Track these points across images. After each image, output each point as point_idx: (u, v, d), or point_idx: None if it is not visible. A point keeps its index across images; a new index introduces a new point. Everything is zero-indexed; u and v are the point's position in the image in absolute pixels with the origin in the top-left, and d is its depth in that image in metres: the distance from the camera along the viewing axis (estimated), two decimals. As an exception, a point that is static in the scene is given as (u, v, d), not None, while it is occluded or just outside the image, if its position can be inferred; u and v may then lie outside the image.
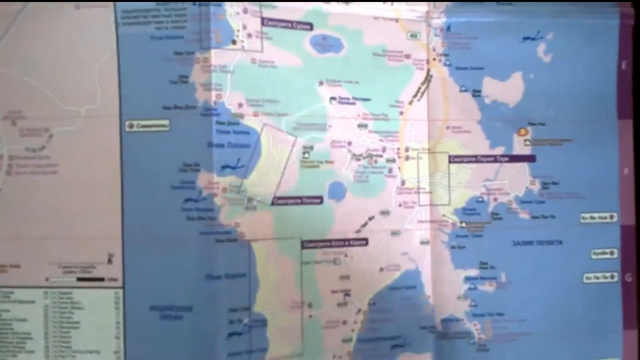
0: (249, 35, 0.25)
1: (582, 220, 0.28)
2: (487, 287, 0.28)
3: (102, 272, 0.25)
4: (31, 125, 0.26)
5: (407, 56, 0.28)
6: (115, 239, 0.25)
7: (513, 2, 0.28)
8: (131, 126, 0.25)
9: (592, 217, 0.28)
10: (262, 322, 0.25)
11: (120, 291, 0.25)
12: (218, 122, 0.25)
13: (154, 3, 0.25)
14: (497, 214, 0.28)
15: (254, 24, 0.25)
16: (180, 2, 0.25)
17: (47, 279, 0.26)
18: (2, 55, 0.25)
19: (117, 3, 0.25)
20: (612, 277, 0.28)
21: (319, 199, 0.26)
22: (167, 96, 0.25)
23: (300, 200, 0.26)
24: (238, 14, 0.25)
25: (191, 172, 0.25)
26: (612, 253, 0.28)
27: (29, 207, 0.25)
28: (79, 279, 0.25)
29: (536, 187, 0.28)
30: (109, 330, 0.25)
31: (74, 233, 0.25)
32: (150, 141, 0.25)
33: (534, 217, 0.28)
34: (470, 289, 0.28)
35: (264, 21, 0.26)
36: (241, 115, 0.25)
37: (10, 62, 0.25)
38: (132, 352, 0.25)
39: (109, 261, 0.25)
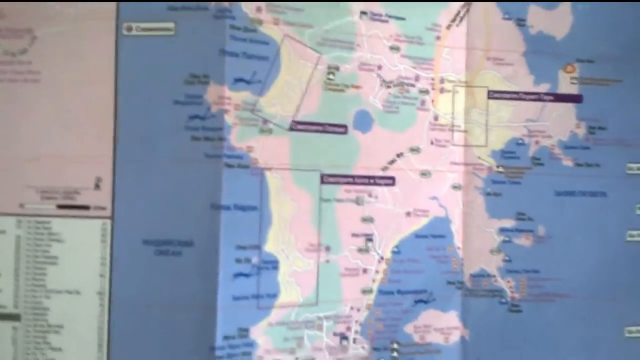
0: None
1: (628, 171, 0.26)
2: (523, 241, 0.25)
3: (87, 199, 0.22)
4: (11, 25, 0.22)
5: (447, -26, 0.25)
6: (105, 160, 0.22)
7: None
8: (129, 29, 0.22)
9: (639, 168, 0.26)
10: (273, 264, 0.22)
11: (109, 222, 0.22)
12: (232, 27, 0.21)
13: None
14: (538, 159, 0.25)
15: None
16: None
17: (21, 205, 0.22)
18: None
19: None
20: (657, 236, 0.26)
21: (342, 128, 0.23)
22: (174, -9, 0.21)
23: (321, 127, 0.23)
24: None
25: (199, 84, 0.21)
26: (659, 209, 0.26)
27: (4, 120, 0.22)
28: (60, 206, 0.22)
29: (581, 131, 0.26)
30: (92, 268, 0.22)
31: (56, 152, 0.22)
32: (151, 47, 0.22)
33: (577, 165, 0.26)
34: (504, 241, 0.25)
35: None
36: (259, 22, 0.22)
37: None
38: (119, 293, 0.22)
39: (97, 186, 0.22)
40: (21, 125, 0.22)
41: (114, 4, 0.22)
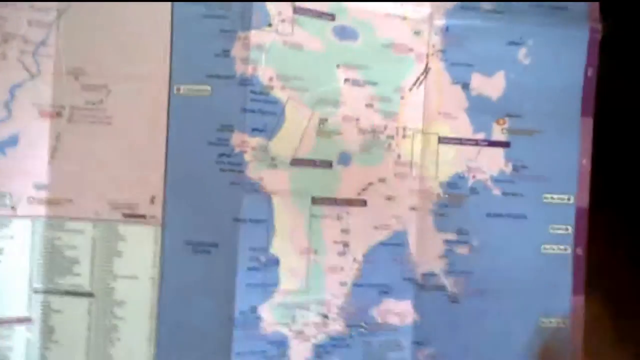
0: (283, 21, 0.31)
1: (544, 200, 0.35)
2: (461, 250, 0.34)
3: (144, 210, 0.31)
4: (92, 82, 0.31)
5: (410, 50, 0.34)
6: (158, 183, 0.31)
7: (503, 12, 0.34)
8: (179, 90, 0.31)
9: (552, 198, 0.35)
10: (276, 262, 0.31)
11: (159, 228, 0.31)
12: (252, 92, 0.30)
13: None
14: (475, 189, 0.34)
15: (287, 11, 0.31)
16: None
17: (96, 213, 0.31)
18: (71, 19, 0.31)
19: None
20: (565, 249, 0.35)
21: (329, 164, 0.32)
22: (211, 66, 0.30)
23: (313, 163, 0.32)
24: (275, 2, 0.31)
25: (226, 132, 0.30)
26: (567, 229, 0.35)
27: (85, 151, 0.31)
28: (124, 215, 0.31)
29: (508, 169, 0.35)
30: (147, 260, 0.31)
31: (123, 175, 0.31)
32: (194, 103, 0.31)
33: (504, 194, 0.34)
34: (447, 250, 0.34)
35: (296, 9, 0.31)
36: (271, 88, 0.31)
37: (79, 26, 0.31)
38: (167, 278, 0.31)
39: (152, 201, 0.31)
40: (99, 154, 0.31)
41: (167, 69, 0.31)
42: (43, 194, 0.31)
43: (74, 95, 0.31)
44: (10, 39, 0.30)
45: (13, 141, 0.31)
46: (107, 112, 0.31)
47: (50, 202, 0.31)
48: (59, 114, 0.31)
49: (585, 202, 0.35)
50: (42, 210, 0.31)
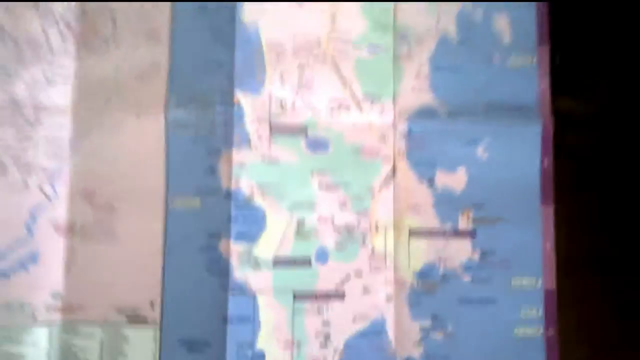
0: (261, 138, 0.36)
1: (513, 284, 0.38)
2: (437, 336, 0.37)
3: (145, 314, 0.35)
4: (100, 202, 0.36)
5: (378, 153, 0.38)
6: (157, 288, 0.35)
7: (459, 115, 0.39)
8: (173, 204, 0.36)
9: (520, 282, 0.38)
10: (262, 356, 0.35)
11: (158, 329, 0.35)
12: (236, 203, 0.35)
13: (194, 116, 0.35)
14: (445, 277, 0.37)
15: (265, 130, 0.36)
16: (209, 111, 0.35)
17: (104, 317, 0.35)
18: (85, 151, 0.36)
19: (168, 115, 0.36)
20: (537, 331, 0.37)
21: (308, 262, 0.36)
22: (200, 182, 0.35)
23: (294, 262, 0.36)
24: (253, 122, 0.36)
25: (215, 239, 0.35)
26: (537, 311, 0.37)
27: (94, 262, 0.36)
28: (128, 318, 0.35)
29: (476, 256, 0.38)
30: (149, 358, 0.35)
31: (126, 283, 0.35)
32: (186, 215, 0.35)
33: (474, 280, 0.37)
34: (424, 336, 0.37)
35: (272, 128, 0.36)
36: (253, 197, 0.35)
37: (88, 156, 0.36)
38: (164, 374, 0.34)
39: (151, 305, 0.35)
40: (105, 265, 0.36)
41: (163, 186, 0.36)
42: (59, 302, 0.36)
43: (85, 215, 0.36)
44: (31, 170, 0.36)
45: (34, 258, 0.36)
46: (113, 228, 0.36)
47: (64, 309, 0.36)
48: (72, 232, 0.36)
49: (552, 284, 0.38)
50: (57, 316, 0.36)
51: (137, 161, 0.36)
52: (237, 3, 0.36)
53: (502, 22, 0.39)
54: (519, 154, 0.39)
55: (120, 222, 0.36)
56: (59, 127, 0.37)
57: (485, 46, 0.39)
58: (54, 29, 0.37)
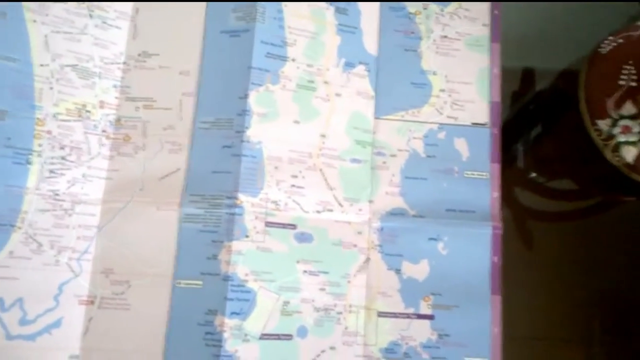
0: (257, 232, 0.44)
1: (465, 363, 0.44)
2: (399, 405, 0.43)
3: (148, 374, 0.42)
4: (117, 279, 0.44)
5: (355, 245, 0.46)
6: (159, 355, 0.42)
7: (424, 216, 0.47)
8: (179, 283, 0.43)
9: (472, 361, 0.44)
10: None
11: (159, 389, 0.41)
12: (232, 285, 0.42)
13: (203, 212, 0.44)
14: (407, 353, 0.44)
15: (261, 225, 0.44)
16: (216, 209, 0.44)
17: (111, 379, 0.42)
18: (109, 235, 0.44)
19: (182, 210, 0.44)
20: (486, 405, 0.43)
21: (290, 337, 0.43)
22: (203, 266, 0.43)
23: (277, 336, 0.43)
24: (252, 219, 0.44)
25: (212, 315, 0.42)
26: (486, 388, 0.44)
27: (108, 329, 0.43)
28: (133, 380, 0.42)
29: (434, 337, 0.45)
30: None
31: (136, 349, 0.42)
32: (189, 293, 0.43)
33: (432, 358, 0.44)
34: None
35: (267, 224, 0.44)
36: (246, 281, 0.43)
37: (110, 238, 0.44)
38: None
39: None
40: (119, 332, 0.43)
41: (172, 269, 0.43)
42: (75, 363, 0.42)
43: (104, 289, 0.44)
44: (63, 251, 0.44)
45: (57, 324, 0.43)
46: (127, 300, 0.43)
47: (80, 370, 0.42)
48: (92, 302, 0.43)
49: (499, 364, 0.44)
50: (73, 376, 0.42)
51: (152, 245, 0.44)
52: (245, 123, 0.45)
53: (461, 143, 0.49)
54: (473, 251, 0.46)
55: (133, 296, 0.43)
56: (89, 216, 0.45)
57: (446, 162, 0.48)
58: (94, 136, 0.46)
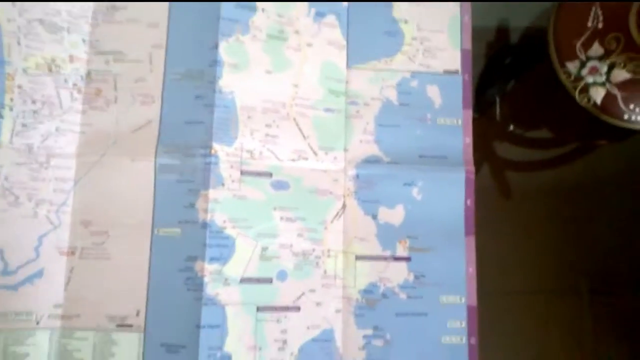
0: (233, 180, 0.45)
1: (441, 301, 0.46)
2: (377, 342, 0.45)
3: (132, 321, 0.43)
4: (97, 229, 0.44)
5: (331, 192, 0.47)
6: (142, 300, 0.43)
7: (398, 163, 0.48)
8: (158, 232, 0.44)
9: (447, 299, 0.46)
10: (228, 357, 0.42)
11: (142, 333, 0.42)
12: (210, 232, 0.43)
13: (178, 162, 0.44)
14: (385, 294, 0.46)
15: (236, 174, 0.45)
16: (191, 159, 0.44)
17: (97, 324, 0.43)
18: (82, 188, 0.45)
19: (157, 161, 0.44)
20: (461, 339, 0.45)
21: (270, 280, 0.44)
22: (181, 215, 0.44)
23: (257, 280, 0.44)
24: (227, 168, 0.45)
25: (192, 261, 0.43)
26: (461, 323, 0.45)
27: (90, 279, 0.43)
28: (117, 325, 0.43)
29: (411, 277, 0.46)
30: (134, 359, 0.42)
31: (117, 296, 0.43)
32: (169, 241, 0.43)
33: (409, 297, 0.46)
34: (366, 343, 0.45)
35: (242, 172, 0.45)
36: (225, 228, 0.44)
37: (88, 192, 0.45)
38: (146, 374, 0.41)
39: (137, 314, 0.43)
40: (100, 281, 0.43)
41: (150, 218, 0.44)
42: (59, 311, 0.43)
43: (84, 239, 0.44)
44: (40, 203, 0.44)
45: (39, 274, 0.43)
46: (107, 250, 0.44)
47: (64, 317, 0.43)
48: (72, 253, 0.44)
49: (473, 301, 0.46)
50: (57, 323, 0.43)
51: (129, 196, 0.45)
52: (217, 74, 0.45)
53: (434, 91, 0.50)
54: (447, 195, 0.48)
55: (113, 246, 0.44)
56: (65, 169, 0.45)
57: (419, 109, 0.49)
58: (65, 90, 0.46)
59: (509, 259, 0.51)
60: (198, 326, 0.41)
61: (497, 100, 0.56)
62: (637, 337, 0.50)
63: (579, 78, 0.48)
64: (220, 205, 0.44)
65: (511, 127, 0.54)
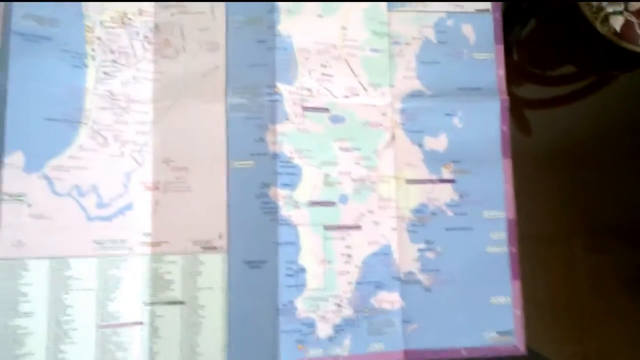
0: (296, 115, 0.49)
1: (484, 216, 0.51)
2: (429, 255, 0.50)
3: (215, 244, 0.48)
4: (177, 166, 0.49)
5: (380, 125, 0.51)
6: (224, 224, 0.48)
7: (439, 95, 0.52)
8: (233, 165, 0.48)
9: (490, 214, 0.51)
10: (303, 270, 0.47)
11: (226, 254, 0.48)
12: (280, 162, 0.48)
13: (247, 101, 0.49)
14: (434, 212, 0.51)
15: (299, 110, 0.49)
16: (258, 98, 0.49)
17: (184, 248, 0.48)
18: (161, 129, 0.49)
19: (227, 101, 0.49)
20: (503, 249, 0.51)
21: (333, 203, 0.49)
22: (253, 148, 0.48)
23: (323, 203, 0.49)
24: (290, 104, 0.49)
25: (266, 188, 0.48)
26: (502, 235, 0.51)
27: (175, 210, 0.48)
28: (202, 248, 0.48)
29: (456, 197, 0.51)
30: (218, 276, 0.47)
31: (200, 223, 0.48)
32: (244, 172, 0.48)
33: (455, 214, 0.51)
34: (420, 255, 0.50)
35: (304, 108, 0.50)
36: (292, 158, 0.48)
37: (166, 133, 0.49)
38: (232, 287, 0.47)
39: (220, 237, 0.48)
40: (184, 211, 0.48)
41: (225, 153, 0.49)
42: (149, 239, 0.48)
43: (166, 175, 0.49)
44: (125, 144, 0.49)
45: (129, 207, 0.48)
46: (187, 184, 0.49)
47: (153, 244, 0.48)
48: (157, 188, 0.49)
49: (512, 214, 0.51)
50: (148, 249, 0.48)
51: (204, 135, 0.49)
52: (275, 19, 0.49)
53: (468, 28, 0.54)
54: (484, 123, 0.52)
55: (194, 179, 0.49)
56: (143, 113, 0.49)
57: (456, 46, 0.53)
58: (137, 42, 0.50)
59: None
60: (276, 243, 0.47)
61: (515, 41, 0.59)
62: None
63: (599, 9, 0.52)
64: (287, 138, 0.48)
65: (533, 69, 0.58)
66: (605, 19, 0.51)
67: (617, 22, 0.50)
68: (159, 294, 0.47)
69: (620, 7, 0.50)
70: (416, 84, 0.52)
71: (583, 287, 0.54)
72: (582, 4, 0.51)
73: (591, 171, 0.57)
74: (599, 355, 0.53)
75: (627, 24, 0.50)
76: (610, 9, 0.50)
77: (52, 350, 0.44)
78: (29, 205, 0.45)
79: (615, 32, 0.51)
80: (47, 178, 0.46)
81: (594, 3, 0.51)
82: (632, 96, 0.60)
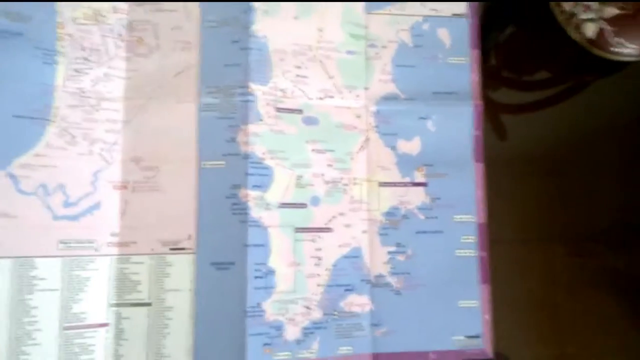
0: (269, 116, 0.49)
1: (454, 220, 0.51)
2: (400, 258, 0.50)
3: (184, 245, 0.47)
4: (147, 165, 0.48)
5: (355, 127, 0.51)
6: (193, 225, 0.47)
7: (414, 99, 0.52)
8: (204, 165, 0.48)
9: (460, 218, 0.51)
10: (272, 272, 0.47)
11: (194, 255, 0.47)
12: (251, 162, 0.47)
13: (219, 101, 0.48)
14: (405, 215, 0.50)
15: (272, 111, 0.49)
16: (231, 98, 0.48)
17: (151, 249, 0.47)
18: (131, 128, 0.48)
19: (200, 101, 0.48)
20: (472, 253, 0.50)
21: (305, 205, 0.49)
22: (224, 148, 0.47)
23: (294, 205, 0.48)
24: (263, 105, 0.48)
25: (236, 189, 0.47)
26: (472, 239, 0.51)
27: (143, 210, 0.48)
28: (171, 249, 0.47)
29: (428, 200, 0.51)
30: (186, 278, 0.47)
31: (169, 223, 0.47)
32: (214, 172, 0.47)
33: (427, 218, 0.50)
34: (390, 258, 0.50)
35: (277, 109, 0.49)
36: (264, 159, 0.48)
37: (136, 132, 0.48)
38: (200, 289, 0.46)
39: (188, 238, 0.47)
40: (152, 211, 0.47)
41: (196, 153, 0.48)
42: (116, 239, 0.47)
43: (135, 174, 0.48)
44: (94, 142, 0.48)
45: (97, 207, 0.47)
46: (157, 183, 0.48)
47: (121, 245, 0.47)
48: (125, 187, 0.48)
49: (482, 219, 0.51)
50: (115, 250, 0.47)
51: (175, 134, 0.48)
52: (250, 19, 0.49)
53: (444, 32, 0.54)
54: (458, 127, 0.52)
55: (164, 179, 0.48)
56: (114, 111, 0.49)
57: (431, 50, 0.53)
58: (110, 39, 0.49)
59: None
60: (245, 245, 0.46)
61: (493, 46, 0.59)
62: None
63: (572, 15, 0.52)
64: (259, 139, 0.48)
65: (507, 74, 0.58)
66: (578, 25, 0.51)
67: (590, 29, 0.50)
68: (126, 295, 0.46)
69: (593, 14, 0.50)
70: (391, 87, 0.52)
71: (558, 290, 0.54)
72: (556, 10, 0.51)
73: (567, 176, 0.57)
74: (575, 358, 0.53)
75: (600, 32, 0.50)
76: (583, 16, 0.50)
77: (15, 351, 0.43)
78: (-7, 204, 0.44)
79: (587, 39, 0.51)
80: (12, 176, 0.44)
81: (567, 9, 0.51)
82: (608, 102, 0.60)
